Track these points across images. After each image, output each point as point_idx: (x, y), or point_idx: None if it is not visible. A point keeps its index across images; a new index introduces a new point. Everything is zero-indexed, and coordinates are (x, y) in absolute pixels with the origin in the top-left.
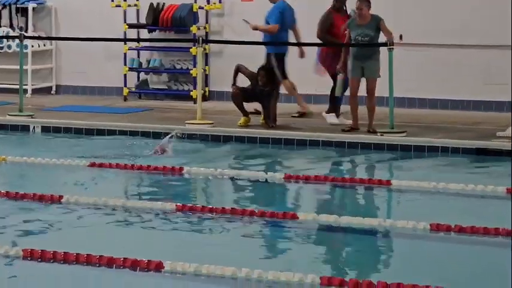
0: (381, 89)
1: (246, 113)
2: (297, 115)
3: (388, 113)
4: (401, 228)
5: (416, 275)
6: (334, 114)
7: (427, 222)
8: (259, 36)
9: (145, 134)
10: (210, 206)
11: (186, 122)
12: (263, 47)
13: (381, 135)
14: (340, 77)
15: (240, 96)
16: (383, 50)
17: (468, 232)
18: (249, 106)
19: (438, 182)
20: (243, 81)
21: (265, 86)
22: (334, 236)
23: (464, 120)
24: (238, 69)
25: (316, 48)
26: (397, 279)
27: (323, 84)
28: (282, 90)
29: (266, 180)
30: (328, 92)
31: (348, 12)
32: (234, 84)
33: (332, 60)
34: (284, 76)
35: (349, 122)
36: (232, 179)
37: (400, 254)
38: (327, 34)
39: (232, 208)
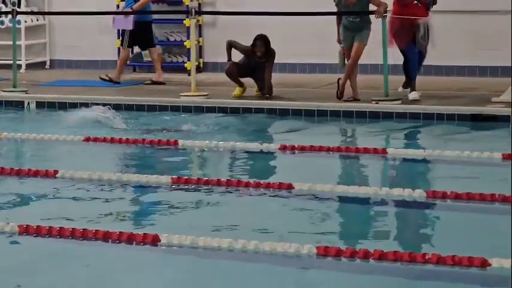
0: (376, 56)
1: (240, 84)
2: (149, 82)
3: (383, 80)
4: (397, 196)
5: (413, 243)
6: (415, 91)
7: (423, 189)
8: (252, 7)
9: (139, 108)
10: (206, 178)
11: (181, 94)
12: (256, 17)
13: (376, 103)
14: (340, 48)
15: (235, 73)
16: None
17: (464, 199)
18: None
19: (434, 150)
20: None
21: (262, 57)
22: (330, 206)
23: (458, 86)
24: (231, 45)
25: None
26: (393, 248)
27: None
28: (277, 60)
29: (261, 151)
30: None
31: None
32: (229, 60)
33: (401, 33)
34: (153, 44)
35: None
36: (227, 151)
37: (396, 222)
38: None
39: (227, 180)
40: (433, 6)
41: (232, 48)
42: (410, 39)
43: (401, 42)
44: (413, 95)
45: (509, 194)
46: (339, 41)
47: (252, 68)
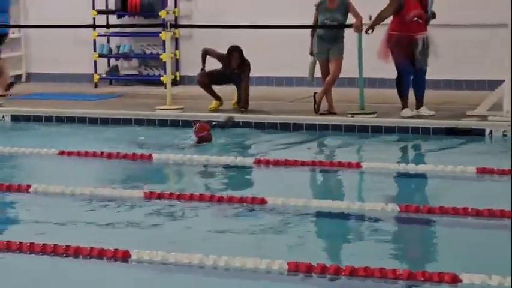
0: (351, 70)
1: (217, 97)
2: None
3: (358, 94)
4: (370, 210)
5: (385, 258)
6: (407, 108)
7: (396, 203)
8: (229, 20)
9: (115, 121)
10: (178, 193)
11: (157, 107)
12: (233, 30)
13: (352, 116)
14: (311, 60)
15: (206, 83)
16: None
17: (437, 213)
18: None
19: (408, 164)
20: (213, 65)
21: (237, 68)
22: (303, 220)
23: (434, 99)
24: (206, 53)
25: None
26: (365, 263)
27: None
28: (253, 73)
29: (236, 165)
30: None
31: None
32: (203, 68)
33: (398, 49)
34: None
35: (432, 112)
36: (201, 165)
37: (368, 237)
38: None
39: (200, 194)
40: (432, 19)
41: (208, 57)
42: (407, 56)
43: (398, 58)
44: (405, 112)
45: (482, 208)
46: (311, 53)
47: (227, 77)
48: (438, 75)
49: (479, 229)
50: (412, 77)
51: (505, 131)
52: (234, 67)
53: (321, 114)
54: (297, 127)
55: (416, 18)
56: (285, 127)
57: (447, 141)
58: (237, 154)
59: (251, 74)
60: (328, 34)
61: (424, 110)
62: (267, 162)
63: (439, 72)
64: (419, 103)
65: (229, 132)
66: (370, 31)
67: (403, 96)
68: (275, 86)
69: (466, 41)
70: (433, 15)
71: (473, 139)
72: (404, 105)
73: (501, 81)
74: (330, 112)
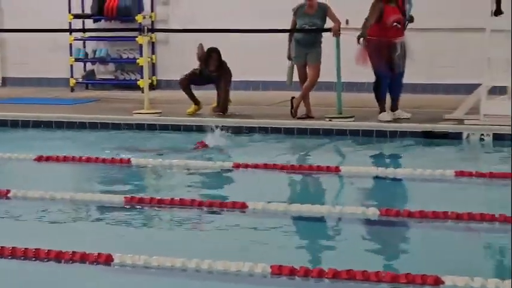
0: (329, 74)
1: (196, 101)
2: None
3: (336, 98)
4: (350, 214)
5: (367, 261)
6: (384, 112)
7: (376, 207)
8: (205, 24)
9: (93, 126)
10: (159, 198)
11: (134, 112)
12: (210, 34)
13: (329, 120)
14: (289, 64)
15: (185, 84)
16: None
17: (417, 217)
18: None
19: (387, 167)
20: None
21: (215, 71)
22: (284, 224)
23: (411, 103)
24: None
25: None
26: (347, 266)
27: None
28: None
29: (215, 169)
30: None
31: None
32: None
33: (378, 54)
34: None
35: (408, 114)
36: (181, 169)
37: (350, 241)
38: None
39: (181, 199)
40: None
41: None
42: (385, 61)
43: (376, 63)
44: (383, 116)
45: (462, 211)
46: (289, 57)
47: (206, 78)
48: (415, 79)
49: (459, 232)
50: (389, 81)
51: (482, 134)
52: (211, 69)
53: (299, 118)
54: (275, 131)
55: (395, 24)
56: (263, 131)
57: (425, 144)
58: (216, 158)
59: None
60: (306, 39)
61: (400, 113)
62: (246, 166)
63: (415, 76)
64: (395, 106)
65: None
66: (361, 40)
67: (380, 100)
68: (252, 90)
69: (442, 45)
70: (411, 20)
71: (450, 143)
72: (382, 109)
73: (478, 85)
74: (308, 116)
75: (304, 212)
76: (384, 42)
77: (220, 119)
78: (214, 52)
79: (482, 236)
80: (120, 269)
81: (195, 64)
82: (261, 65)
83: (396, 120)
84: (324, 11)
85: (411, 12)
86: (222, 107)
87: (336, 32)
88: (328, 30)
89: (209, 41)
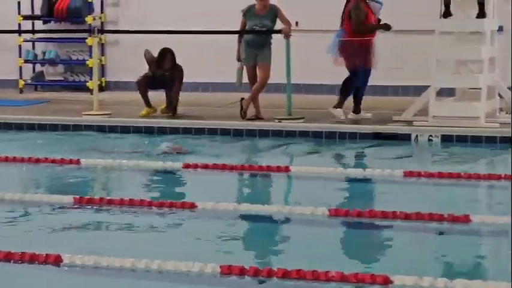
0: (279, 76)
1: (149, 104)
2: None
3: (286, 99)
4: (299, 214)
5: (316, 261)
6: (341, 109)
7: (325, 207)
8: (155, 25)
9: (42, 127)
10: (108, 198)
11: (83, 113)
12: (159, 36)
13: (279, 121)
14: (238, 66)
15: (143, 84)
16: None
17: (367, 216)
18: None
19: (336, 168)
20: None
21: (168, 70)
22: (233, 224)
23: (361, 105)
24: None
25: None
26: (297, 266)
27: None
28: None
29: (165, 169)
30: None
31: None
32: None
33: (355, 51)
34: None
35: (369, 114)
36: (130, 170)
37: (299, 240)
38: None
39: (130, 199)
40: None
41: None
42: (363, 60)
43: (356, 62)
44: (338, 112)
45: (411, 211)
46: (239, 59)
47: (159, 81)
48: None
49: (408, 232)
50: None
51: (430, 135)
52: (166, 67)
53: (248, 119)
54: (224, 132)
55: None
56: (212, 132)
57: (374, 145)
58: (166, 159)
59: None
60: (256, 40)
61: (362, 114)
62: (196, 167)
63: None
64: (359, 108)
65: (157, 137)
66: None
67: (345, 95)
68: (201, 91)
69: (391, 46)
70: (379, 21)
71: (399, 144)
72: (340, 105)
73: (426, 87)
74: (258, 117)
75: (254, 212)
76: (364, 42)
77: (170, 121)
78: (168, 52)
79: (430, 235)
80: (69, 270)
81: (145, 66)
82: (211, 66)
83: (354, 121)
84: (275, 13)
85: (379, 16)
86: (172, 108)
87: (287, 34)
88: (279, 31)
89: (158, 41)
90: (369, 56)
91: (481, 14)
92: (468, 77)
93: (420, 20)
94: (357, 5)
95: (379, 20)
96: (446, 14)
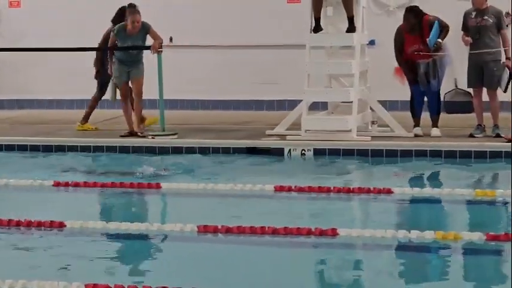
0: (152, 92)
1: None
2: None
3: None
4: (169, 231)
5: (184, 277)
6: (418, 127)
7: (194, 224)
8: (33, 43)
9: None
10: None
11: None
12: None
13: (152, 138)
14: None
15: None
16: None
17: (235, 232)
18: None
19: (207, 183)
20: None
21: None
22: (101, 242)
23: (235, 120)
24: None
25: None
26: (165, 283)
27: None
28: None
29: (35, 187)
30: None
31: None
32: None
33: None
34: None
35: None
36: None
37: (168, 257)
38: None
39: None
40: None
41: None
42: (413, 78)
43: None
44: (416, 130)
45: (279, 226)
46: (111, 73)
47: None
48: (238, 96)
49: (276, 247)
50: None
51: (303, 149)
52: None
53: (122, 136)
54: (97, 149)
55: (416, 52)
56: (85, 149)
57: (248, 160)
58: (37, 177)
59: (43, 97)
60: (127, 57)
61: (435, 131)
62: (67, 185)
63: (238, 93)
64: (435, 123)
65: (25, 156)
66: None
67: (412, 116)
68: (75, 109)
69: (265, 61)
70: (437, 46)
71: (272, 158)
72: (416, 124)
73: (300, 101)
74: (131, 134)
75: (123, 230)
76: (409, 63)
77: (32, 139)
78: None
79: (297, 250)
80: None
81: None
82: (86, 84)
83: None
84: (146, 30)
85: (439, 39)
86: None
87: (155, 49)
88: (148, 48)
89: (40, 59)
90: (408, 75)
91: (351, 29)
92: (339, 91)
93: (294, 35)
94: (396, 32)
95: (437, 45)
96: (317, 29)
